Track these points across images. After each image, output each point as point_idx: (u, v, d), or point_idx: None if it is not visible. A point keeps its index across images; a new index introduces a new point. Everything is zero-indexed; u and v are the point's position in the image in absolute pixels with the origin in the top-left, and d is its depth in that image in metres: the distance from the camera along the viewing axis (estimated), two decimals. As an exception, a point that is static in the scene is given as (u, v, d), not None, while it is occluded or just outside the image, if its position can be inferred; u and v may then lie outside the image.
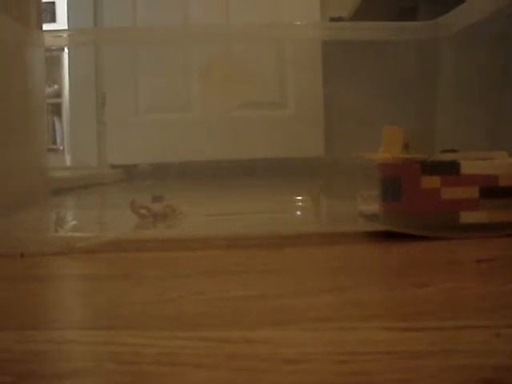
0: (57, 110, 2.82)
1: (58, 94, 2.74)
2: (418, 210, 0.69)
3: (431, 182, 0.69)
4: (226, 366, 0.31)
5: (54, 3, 2.78)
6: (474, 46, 0.90)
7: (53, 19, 2.82)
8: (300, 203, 1.00)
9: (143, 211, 0.84)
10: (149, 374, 0.30)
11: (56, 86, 2.78)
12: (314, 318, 0.39)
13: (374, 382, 0.28)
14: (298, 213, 0.97)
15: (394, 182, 0.69)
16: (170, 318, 0.40)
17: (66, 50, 2.55)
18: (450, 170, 0.69)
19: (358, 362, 0.30)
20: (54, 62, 2.56)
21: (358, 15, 1.83)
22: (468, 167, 0.69)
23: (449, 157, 0.72)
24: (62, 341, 0.36)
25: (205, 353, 0.33)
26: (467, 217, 0.69)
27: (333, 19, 2.24)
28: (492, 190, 0.69)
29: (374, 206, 0.73)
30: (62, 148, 2.81)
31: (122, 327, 0.38)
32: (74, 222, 0.93)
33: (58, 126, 2.93)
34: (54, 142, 2.88)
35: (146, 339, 0.35)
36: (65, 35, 0.96)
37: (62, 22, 2.74)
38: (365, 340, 0.34)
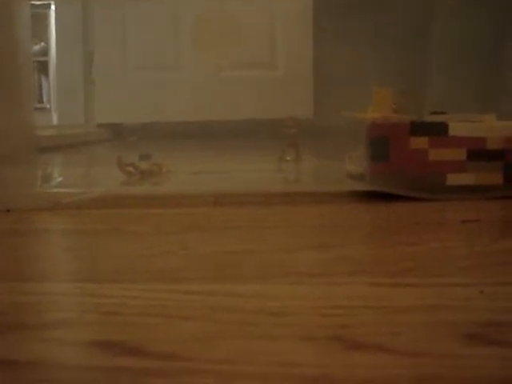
0: (43, 68, 2.78)
1: (45, 52, 2.71)
2: (405, 170, 0.69)
3: (419, 142, 0.69)
4: (212, 318, 0.31)
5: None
6: (469, 6, 0.89)
7: (39, -26, 2.77)
8: (289, 163, 1.00)
9: (130, 169, 0.84)
10: (134, 324, 0.30)
11: (43, 44, 2.74)
12: (300, 273, 0.39)
13: (359, 335, 0.28)
14: (287, 172, 0.97)
15: (383, 142, 0.69)
16: (155, 272, 0.40)
17: (52, 7, 2.51)
18: (438, 131, 0.69)
19: (344, 316, 0.31)
20: (40, 19, 2.52)
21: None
22: (456, 129, 0.69)
23: (438, 118, 0.72)
24: (48, 292, 0.36)
25: (191, 305, 0.33)
26: (454, 179, 0.69)
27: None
28: (479, 153, 0.69)
29: (361, 167, 0.73)
30: (48, 107, 2.79)
31: (107, 280, 0.38)
32: (60, 179, 0.92)
33: (44, 85, 2.90)
34: (41, 101, 2.86)
35: (131, 291, 0.35)
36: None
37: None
38: (351, 295, 0.34)
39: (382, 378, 0.24)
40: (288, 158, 1.00)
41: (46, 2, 2.50)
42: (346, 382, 0.23)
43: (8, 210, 0.65)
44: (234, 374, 0.24)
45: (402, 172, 0.69)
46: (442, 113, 0.77)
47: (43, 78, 2.87)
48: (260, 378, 0.24)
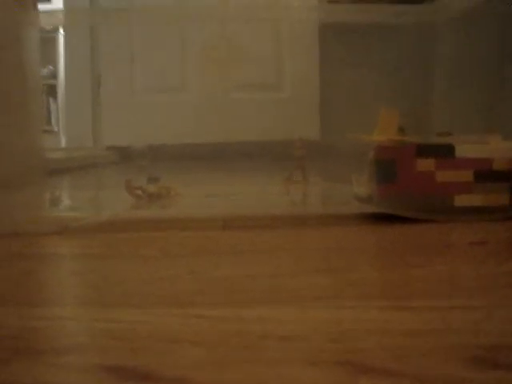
0: (52, 91, 2.81)
1: (54, 76, 2.73)
2: (412, 192, 0.69)
3: (426, 164, 0.69)
4: (221, 343, 0.31)
5: (49, -17, 2.76)
6: (472, 29, 0.90)
7: (48, -1, 2.80)
8: (296, 185, 1.00)
9: (138, 192, 0.85)
10: (143, 349, 0.30)
11: (51, 67, 2.76)
12: (308, 297, 0.39)
13: (367, 360, 0.28)
14: (294, 195, 0.97)
15: (389, 164, 0.69)
16: (164, 296, 0.40)
17: (61, 30, 2.54)
18: (444, 152, 0.69)
19: (351, 340, 0.31)
20: (49, 42, 2.54)
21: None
22: (463, 150, 0.69)
23: (444, 140, 0.73)
24: (58, 317, 0.36)
25: (200, 330, 0.33)
26: (461, 200, 0.69)
27: (331, 1, 2.24)
28: (486, 174, 0.69)
29: (369, 189, 0.73)
30: (57, 129, 2.80)
31: (116, 304, 0.38)
32: (69, 202, 0.93)
33: (53, 108, 2.92)
34: (50, 124, 2.87)
35: (140, 316, 0.36)
36: (60, 15, 0.95)
37: (57, 1, 2.72)
38: (358, 319, 0.34)
39: (389, 403, 0.24)
40: (295, 180, 1.00)
41: (54, 26, 2.53)
42: (354, 407, 0.24)
43: (17, 234, 0.65)
44: (242, 399, 0.24)
45: (408, 194, 0.69)
46: (448, 133, 0.77)
47: (52, 100, 2.89)
48: (269, 404, 0.24)
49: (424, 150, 0.69)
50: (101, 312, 0.37)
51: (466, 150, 0.69)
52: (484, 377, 0.26)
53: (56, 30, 2.59)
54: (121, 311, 0.37)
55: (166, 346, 0.30)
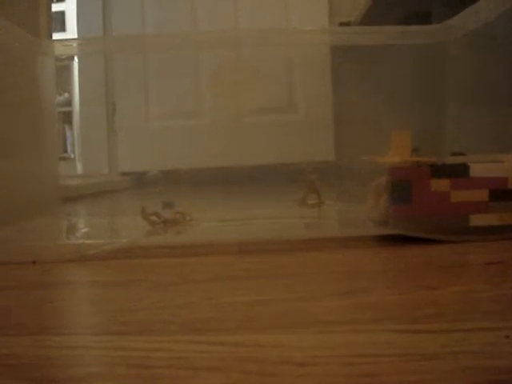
0: (67, 118, 2.83)
1: (69, 103, 2.76)
2: (427, 213, 0.69)
3: (441, 184, 0.69)
4: (238, 369, 0.31)
5: (63, 12, 2.80)
6: (483, 49, 0.90)
7: (62, 28, 2.84)
8: (311, 208, 1.00)
9: (154, 218, 0.85)
10: (161, 377, 0.30)
11: (66, 95, 2.79)
12: (324, 321, 0.39)
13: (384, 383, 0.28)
14: (309, 217, 0.97)
15: (404, 185, 0.69)
16: (181, 323, 0.40)
17: (75, 58, 2.57)
18: (459, 172, 0.69)
19: (369, 364, 0.31)
20: (64, 70, 2.57)
21: (367, 19, 1.84)
22: (477, 170, 0.69)
23: (458, 160, 0.72)
24: (74, 346, 0.36)
25: (217, 357, 0.33)
26: (477, 220, 0.69)
27: (342, 24, 2.25)
28: (502, 193, 0.69)
29: (384, 212, 0.73)
30: (72, 156, 2.83)
31: (133, 332, 0.39)
32: (85, 230, 0.93)
33: (68, 135, 2.94)
34: (65, 151, 2.89)
35: (157, 344, 0.36)
36: (74, 44, 0.97)
37: (71, 30, 2.75)
38: (375, 342, 0.34)
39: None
40: (310, 203, 1.00)
41: (69, 55, 2.56)
42: (371, 433, 0.23)
43: (34, 262, 0.65)
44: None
45: (424, 215, 0.69)
46: (461, 154, 0.77)
47: (67, 127, 2.92)
48: (286, 431, 0.24)
49: (438, 171, 0.69)
50: (117, 340, 0.37)
51: (480, 169, 0.69)
52: (503, 400, 0.26)
53: (71, 58, 2.62)
54: (137, 339, 0.37)
55: (182, 373, 0.30)
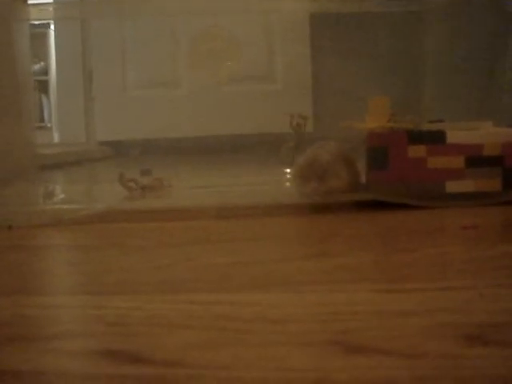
0: (44, 87, 2.79)
1: (45, 72, 2.72)
2: (404, 178, 0.69)
3: (417, 151, 0.69)
4: (214, 326, 0.31)
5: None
6: (462, 16, 0.90)
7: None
8: (288, 175, 1.00)
9: (132, 184, 0.84)
10: (138, 334, 0.30)
11: (42, 63, 2.75)
12: (300, 282, 0.39)
13: (358, 340, 0.28)
14: (287, 184, 0.97)
15: (381, 151, 0.69)
16: (158, 284, 0.40)
17: (51, 26, 2.53)
18: (436, 139, 0.69)
19: (345, 321, 0.31)
20: (40, 38, 2.53)
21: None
22: (454, 137, 0.69)
23: (435, 126, 0.73)
24: (51, 306, 0.36)
25: (193, 315, 0.33)
26: (453, 186, 0.69)
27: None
28: (477, 160, 0.69)
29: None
30: (49, 125, 2.80)
31: (110, 292, 0.39)
32: (62, 196, 0.93)
33: (45, 104, 2.91)
34: (42, 120, 2.86)
35: (134, 303, 0.36)
36: (50, 8, 0.95)
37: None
38: (351, 301, 0.34)
39: (381, 380, 0.24)
40: (287, 171, 1.00)
41: (45, 22, 2.52)
42: None
43: (10, 227, 0.65)
44: (235, 379, 0.25)
45: (401, 180, 0.69)
46: (440, 121, 0.77)
47: (44, 97, 2.88)
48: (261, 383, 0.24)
49: (415, 137, 0.69)
50: (93, 300, 0.37)
51: (457, 136, 0.69)
52: (475, 353, 0.26)
53: (47, 25, 2.58)
54: (113, 299, 0.37)
55: (157, 331, 0.31)
